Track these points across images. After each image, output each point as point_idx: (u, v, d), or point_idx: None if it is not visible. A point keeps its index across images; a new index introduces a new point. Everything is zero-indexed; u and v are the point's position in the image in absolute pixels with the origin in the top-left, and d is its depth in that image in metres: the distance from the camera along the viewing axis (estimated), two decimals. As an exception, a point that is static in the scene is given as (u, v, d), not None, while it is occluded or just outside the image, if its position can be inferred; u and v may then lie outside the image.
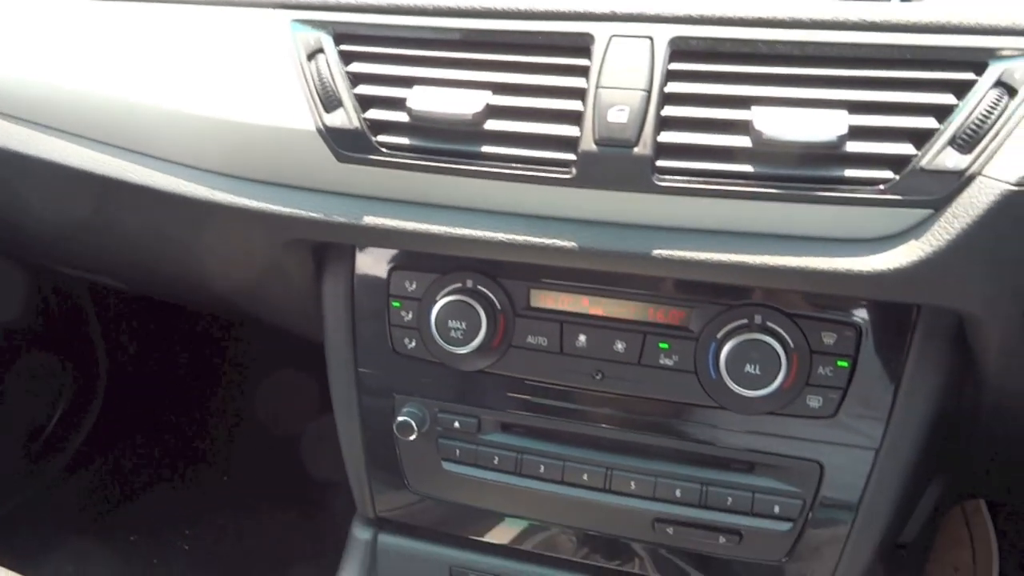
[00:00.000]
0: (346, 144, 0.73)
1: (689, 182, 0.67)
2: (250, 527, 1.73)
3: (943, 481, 1.02)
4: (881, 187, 0.64)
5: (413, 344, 0.84)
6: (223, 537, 1.73)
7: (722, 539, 0.83)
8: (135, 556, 1.69)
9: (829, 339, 0.74)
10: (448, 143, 0.71)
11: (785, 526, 0.81)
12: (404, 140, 0.72)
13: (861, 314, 0.73)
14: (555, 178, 0.69)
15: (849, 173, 0.65)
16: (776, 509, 0.81)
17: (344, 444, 0.94)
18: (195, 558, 1.70)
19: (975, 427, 0.86)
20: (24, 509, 1.70)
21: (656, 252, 0.69)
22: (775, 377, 0.72)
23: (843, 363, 0.74)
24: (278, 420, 1.80)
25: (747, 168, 0.66)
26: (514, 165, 0.70)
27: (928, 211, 0.64)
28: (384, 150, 0.72)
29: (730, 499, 0.81)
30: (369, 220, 0.75)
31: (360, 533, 1.00)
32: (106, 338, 1.73)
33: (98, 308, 1.68)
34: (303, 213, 0.75)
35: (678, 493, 0.82)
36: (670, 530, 0.84)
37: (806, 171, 0.65)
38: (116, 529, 1.72)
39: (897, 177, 0.64)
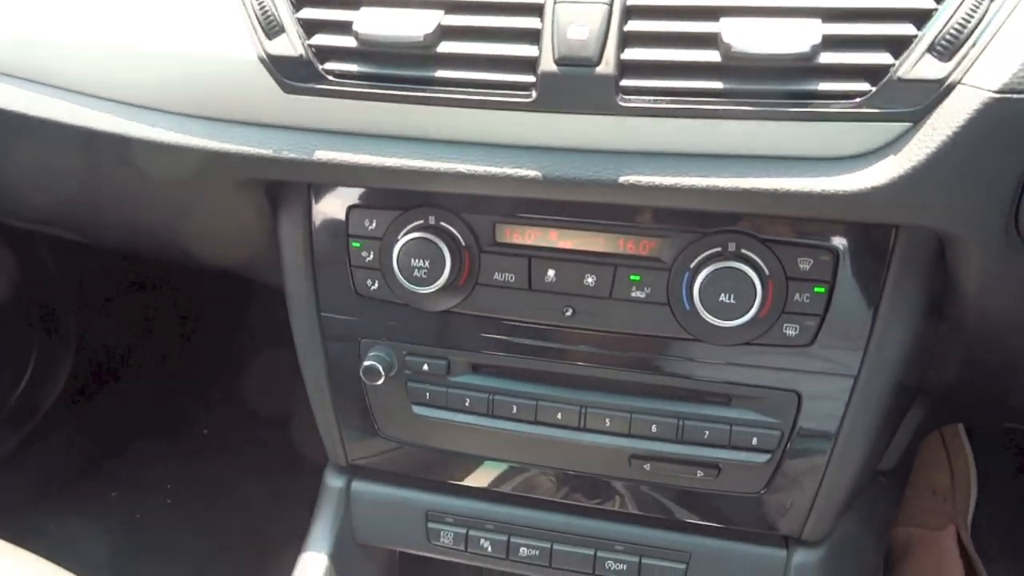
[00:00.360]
0: (291, 73, 0.68)
1: (656, 102, 0.63)
2: (230, 478, 1.72)
3: (922, 407, 1.01)
4: (857, 100, 0.61)
5: (376, 286, 0.81)
6: (204, 490, 1.72)
7: (700, 473, 0.81)
8: (118, 511, 1.67)
9: (805, 265, 0.71)
10: (400, 68, 0.67)
11: (763, 458, 0.80)
12: (353, 67, 0.68)
13: (838, 238, 0.71)
14: (514, 102, 0.65)
15: (823, 86, 0.61)
16: (754, 441, 0.79)
17: (311, 391, 0.91)
18: (178, 511, 1.69)
19: (953, 351, 0.84)
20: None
21: (623, 178, 0.65)
22: (750, 306, 0.70)
23: (820, 289, 0.72)
24: (254, 371, 1.78)
25: (716, 85, 0.63)
26: (470, 90, 0.66)
27: (907, 124, 0.61)
28: (332, 78, 0.68)
29: (707, 432, 0.79)
30: (321, 155, 0.71)
31: (333, 481, 0.98)
32: (77, 299, 1.69)
33: (62, 266, 1.63)
34: (250, 150, 0.71)
35: (654, 428, 0.80)
36: (647, 466, 0.82)
37: (778, 85, 0.62)
38: (97, 486, 1.71)
39: (874, 89, 0.61)
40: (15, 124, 0.78)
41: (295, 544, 1.00)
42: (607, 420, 0.81)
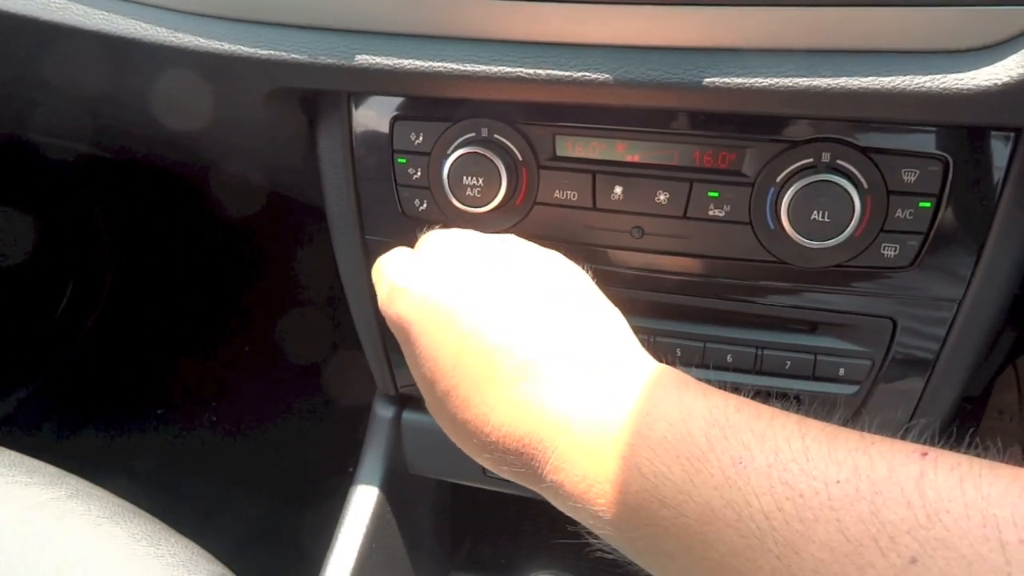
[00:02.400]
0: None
1: (748, -13, 0.54)
2: (275, 397, 1.71)
3: (1014, 330, 0.93)
4: (992, -21, 0.52)
5: (425, 206, 0.74)
6: (249, 408, 1.71)
7: (778, 406, 0.75)
8: (163, 427, 1.68)
9: (910, 176, 0.62)
10: (448, -46, 0.59)
11: (851, 389, 0.73)
12: (396, -45, 0.60)
13: (949, 145, 0.62)
14: (581, -8, 0.57)
15: (949, -37, 0.52)
16: (841, 372, 0.72)
17: (357, 318, 0.85)
18: (223, 429, 1.69)
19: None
20: (45, 393, 1.68)
21: (709, 80, 0.57)
22: (847, 224, 0.62)
23: (925, 204, 0.63)
24: (298, 293, 1.75)
25: (821, -36, 0.53)
26: (530, -21, 0.58)
27: (1048, 9, 0.52)
28: (373, -32, 0.60)
29: (788, 363, 0.72)
30: (362, 60, 0.63)
31: (382, 411, 0.94)
32: (112, 224, 1.66)
33: (98, 190, 1.60)
34: (284, 55, 0.64)
35: (729, 359, 0.73)
36: (720, 398, 0.76)
37: (896, -37, 0.52)
38: (141, 403, 1.71)
39: (1011, -35, 0.51)
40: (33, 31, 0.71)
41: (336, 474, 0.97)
42: (677, 350, 0.75)
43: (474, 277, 0.54)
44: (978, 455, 0.38)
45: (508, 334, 0.51)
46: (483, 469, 0.91)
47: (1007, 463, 0.38)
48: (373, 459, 0.93)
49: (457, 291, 0.53)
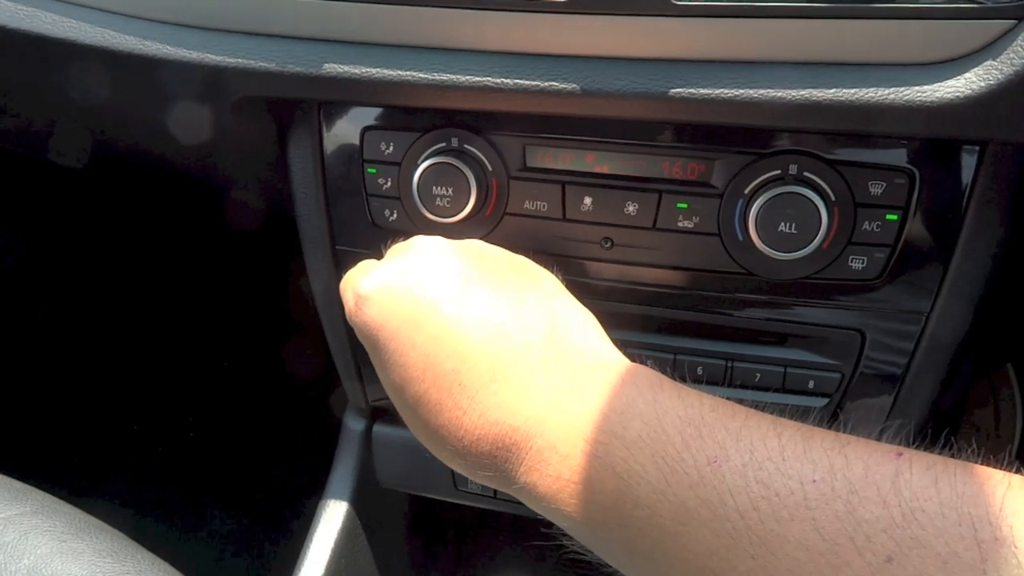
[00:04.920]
0: (294, -28, 0.60)
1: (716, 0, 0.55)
2: (250, 412, 1.69)
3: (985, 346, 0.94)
4: (953, -7, 0.52)
5: (395, 216, 0.74)
6: (223, 423, 1.69)
7: (749, 418, 0.75)
8: (138, 442, 1.66)
9: (877, 189, 0.63)
10: (417, -35, 0.59)
11: (821, 402, 0.73)
12: (364, -36, 0.59)
13: (915, 158, 0.62)
14: (548, 1, 0.57)
15: (913, -23, 0.52)
16: (811, 384, 0.72)
17: (328, 330, 0.85)
18: (198, 445, 1.67)
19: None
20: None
21: (675, 91, 0.57)
22: (814, 236, 0.62)
23: (892, 216, 0.63)
24: (276, 307, 1.73)
25: (787, -23, 0.54)
26: (498, -12, 0.58)
27: (1009, 22, 0.52)
28: (340, -22, 0.60)
29: (759, 375, 0.72)
30: (331, 68, 0.63)
31: (353, 424, 0.93)
32: (96, 231, 1.64)
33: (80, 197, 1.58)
34: (252, 63, 0.63)
35: (700, 371, 0.73)
36: (690, 411, 0.75)
37: (860, -23, 0.53)
38: (116, 418, 1.68)
39: (973, -21, 0.52)
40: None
41: (309, 489, 0.96)
42: (648, 361, 0.74)
43: (442, 278, 0.54)
44: (953, 456, 0.37)
45: (478, 334, 0.50)
46: (454, 483, 0.90)
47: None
48: (343, 473, 0.92)
49: (425, 292, 0.53)
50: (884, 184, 0.63)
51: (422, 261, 0.55)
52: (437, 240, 0.58)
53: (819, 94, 0.55)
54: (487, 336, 0.50)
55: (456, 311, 0.51)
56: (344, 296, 0.59)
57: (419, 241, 0.59)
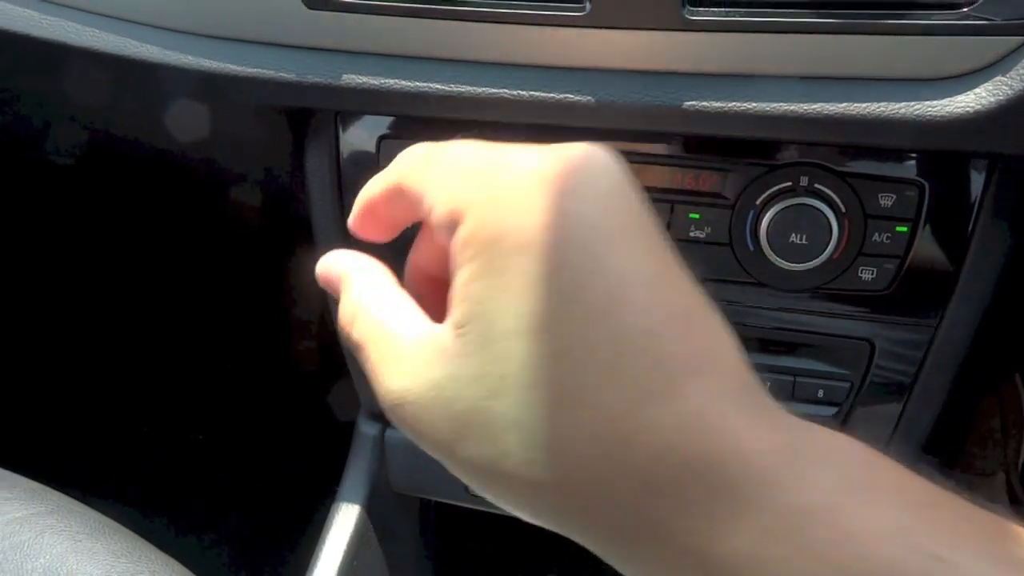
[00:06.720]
0: (315, -14, 0.61)
1: (728, 14, 0.55)
2: (261, 415, 1.70)
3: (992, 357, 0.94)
4: (964, 10, 0.53)
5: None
6: (234, 425, 1.70)
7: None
8: (149, 445, 1.67)
9: (887, 201, 0.64)
10: (435, -21, 0.60)
11: (829, 411, 0.73)
12: (383, -22, 0.60)
13: (925, 171, 0.63)
14: (564, 16, 0.58)
15: (924, -6, 0.53)
16: (820, 393, 0.73)
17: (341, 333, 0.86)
18: (208, 447, 1.68)
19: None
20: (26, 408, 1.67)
21: (688, 104, 0.58)
22: (824, 247, 0.63)
23: (902, 228, 0.64)
24: (284, 310, 1.74)
25: (799, -7, 0.54)
26: (514, 2, 0.58)
27: (1019, 39, 0.53)
28: (361, -9, 0.61)
29: (768, 384, 0.72)
30: (349, 79, 0.64)
31: (366, 428, 0.94)
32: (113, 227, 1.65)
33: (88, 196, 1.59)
34: (271, 74, 0.64)
35: (710, 379, 0.74)
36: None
37: (871, -6, 0.54)
38: (126, 421, 1.70)
39: (983, -3, 0.52)
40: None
41: (322, 492, 0.96)
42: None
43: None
44: (966, 479, 0.35)
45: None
46: (467, 487, 0.91)
47: (990, 489, 0.36)
48: (356, 477, 0.93)
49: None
50: (894, 196, 0.63)
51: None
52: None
53: (830, 108, 0.56)
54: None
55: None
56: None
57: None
